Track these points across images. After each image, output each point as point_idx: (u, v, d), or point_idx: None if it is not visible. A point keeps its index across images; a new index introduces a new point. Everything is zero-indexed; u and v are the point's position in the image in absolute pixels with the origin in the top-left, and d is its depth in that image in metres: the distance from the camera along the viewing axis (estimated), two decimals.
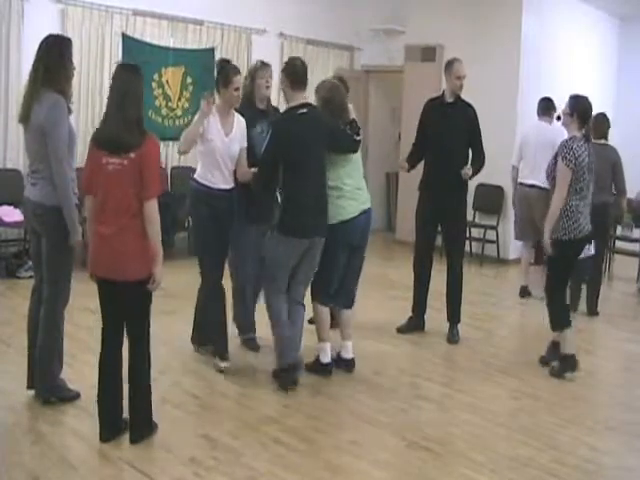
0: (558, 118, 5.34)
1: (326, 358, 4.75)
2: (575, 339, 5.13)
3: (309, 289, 4.73)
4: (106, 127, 3.55)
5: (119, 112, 3.50)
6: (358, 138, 4.64)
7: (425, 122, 5.74)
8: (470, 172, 5.52)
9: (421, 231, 5.79)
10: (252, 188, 4.56)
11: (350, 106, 4.79)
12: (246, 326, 5.18)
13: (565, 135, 7.23)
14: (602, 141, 6.73)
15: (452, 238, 5.78)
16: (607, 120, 6.83)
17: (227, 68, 4.58)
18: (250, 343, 5.20)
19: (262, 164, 4.45)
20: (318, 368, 4.75)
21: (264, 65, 4.98)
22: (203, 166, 4.60)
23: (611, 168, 6.62)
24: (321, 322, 4.75)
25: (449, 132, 5.55)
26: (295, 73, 4.42)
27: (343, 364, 4.87)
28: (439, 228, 5.79)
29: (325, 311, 4.77)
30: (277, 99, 6.91)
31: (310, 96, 4.62)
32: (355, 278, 4.92)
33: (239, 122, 4.67)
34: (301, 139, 4.35)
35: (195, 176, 4.64)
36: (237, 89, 4.56)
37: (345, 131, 4.60)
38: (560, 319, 5.02)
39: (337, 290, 4.79)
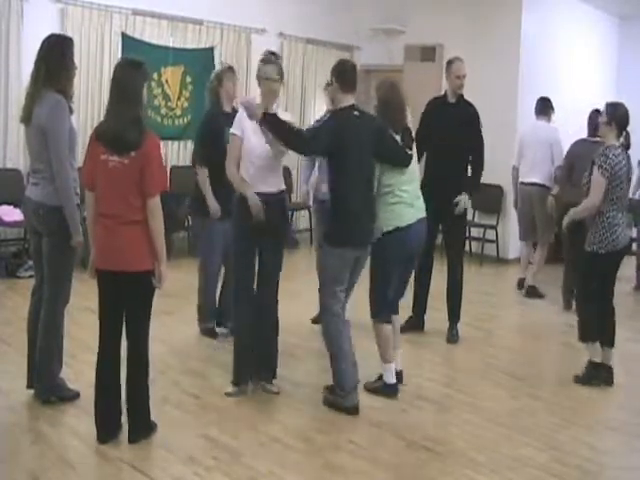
0: (595, 129, 5.15)
1: (392, 379, 4.48)
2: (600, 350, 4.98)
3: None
4: (107, 125, 3.54)
5: (119, 110, 3.49)
6: (410, 152, 4.41)
7: (426, 121, 5.73)
8: (465, 203, 5.58)
9: None
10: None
11: (408, 111, 4.53)
12: (209, 315, 5.43)
13: (558, 134, 7.28)
14: (597, 138, 6.73)
15: (452, 238, 5.77)
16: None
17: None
18: (210, 332, 5.40)
19: (311, 135, 4.21)
20: (385, 390, 4.48)
21: (231, 69, 5.23)
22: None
23: (590, 167, 6.62)
24: (386, 340, 4.44)
25: (450, 132, 5.54)
26: (346, 75, 4.27)
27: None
28: (439, 227, 5.78)
29: (388, 329, 4.45)
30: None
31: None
32: (404, 287, 4.67)
33: None
34: (354, 140, 4.15)
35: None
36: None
37: (397, 143, 4.35)
38: (590, 331, 4.89)
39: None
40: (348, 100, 4.27)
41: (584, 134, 6.88)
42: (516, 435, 4.07)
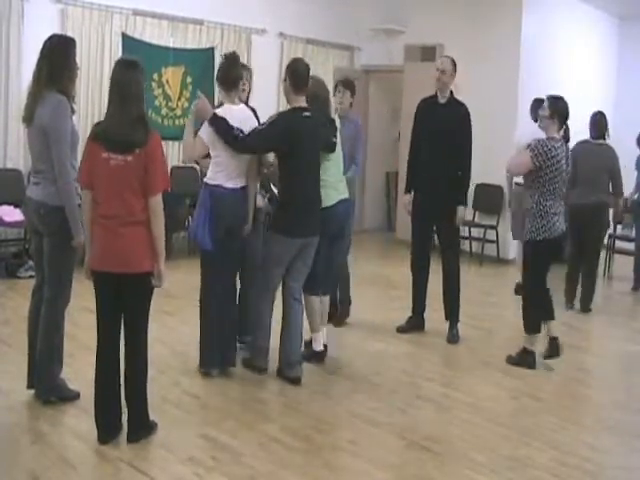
0: (535, 120, 5.36)
1: (320, 347, 4.96)
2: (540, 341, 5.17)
3: None
4: (110, 126, 3.53)
5: (123, 111, 3.49)
6: (334, 140, 4.81)
7: (418, 121, 5.73)
8: (463, 213, 5.63)
9: (417, 231, 5.80)
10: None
11: (332, 103, 5.05)
12: None
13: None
14: (600, 141, 6.73)
15: (446, 238, 5.76)
16: (605, 119, 6.82)
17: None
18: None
19: (253, 137, 4.36)
20: (311, 356, 4.94)
21: (244, 66, 5.13)
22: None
23: (608, 168, 6.63)
24: (312, 312, 4.88)
25: (441, 132, 5.52)
26: (298, 75, 4.45)
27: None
28: (434, 228, 5.78)
29: (316, 301, 4.90)
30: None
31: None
32: (328, 268, 5.02)
33: None
34: (304, 140, 4.42)
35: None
36: None
37: (332, 134, 4.78)
38: (533, 323, 5.11)
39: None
40: (300, 100, 4.48)
41: (583, 134, 6.88)
42: (516, 435, 4.07)
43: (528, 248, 5.09)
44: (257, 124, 4.56)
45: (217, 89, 5.15)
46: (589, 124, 6.84)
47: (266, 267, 4.58)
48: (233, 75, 4.48)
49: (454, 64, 5.61)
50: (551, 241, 4.93)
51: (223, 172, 4.44)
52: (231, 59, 4.54)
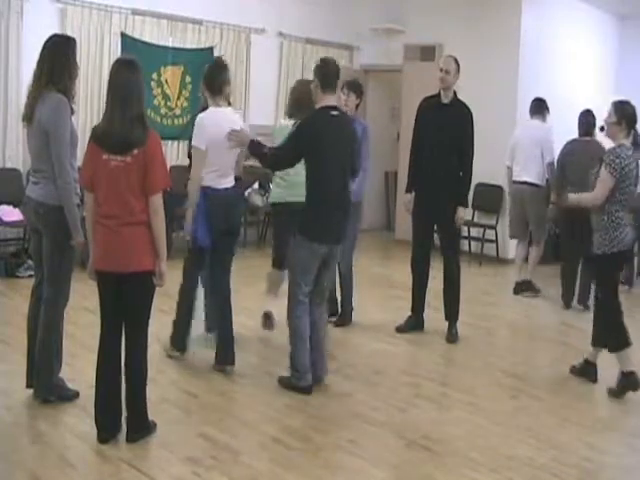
0: (602, 129, 5.02)
1: (269, 308, 5.37)
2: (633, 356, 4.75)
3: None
4: (110, 128, 3.51)
5: (121, 112, 3.48)
6: None
7: (420, 121, 5.73)
8: (464, 213, 5.61)
9: (417, 231, 5.80)
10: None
11: None
12: None
13: (550, 132, 7.28)
14: (587, 137, 6.74)
15: (447, 237, 5.76)
16: (593, 116, 6.81)
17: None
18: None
19: (282, 150, 4.37)
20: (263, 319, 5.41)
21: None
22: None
23: (596, 163, 6.62)
24: (276, 281, 5.34)
25: (444, 132, 5.52)
26: (325, 75, 4.36)
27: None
28: (434, 227, 5.78)
29: (277, 273, 5.32)
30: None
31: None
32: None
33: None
34: (330, 141, 4.30)
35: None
36: None
37: None
38: (617, 338, 4.70)
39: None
40: (328, 100, 4.37)
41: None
42: (516, 435, 4.06)
43: (602, 262, 4.70)
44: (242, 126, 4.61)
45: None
46: (577, 122, 6.84)
47: (294, 277, 4.44)
48: (219, 81, 4.55)
49: (457, 63, 5.59)
50: (623, 253, 4.68)
51: (213, 173, 4.47)
52: (219, 65, 4.63)
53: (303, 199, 4.42)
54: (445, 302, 5.79)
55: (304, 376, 4.41)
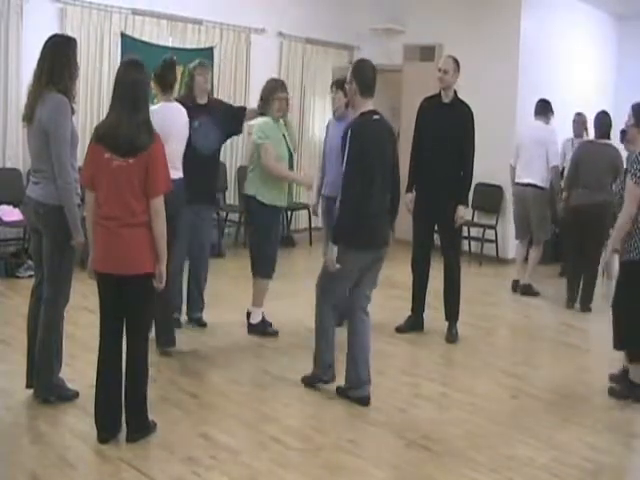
0: (623, 132, 4.85)
1: (258, 319, 5.47)
2: None
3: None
4: (117, 130, 3.50)
5: (131, 116, 3.48)
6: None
7: (421, 120, 5.72)
8: (464, 213, 5.61)
9: (418, 231, 5.80)
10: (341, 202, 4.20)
11: (276, 106, 5.40)
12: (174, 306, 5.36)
13: (553, 134, 7.27)
14: (603, 140, 6.72)
15: (448, 237, 5.76)
16: (609, 118, 6.79)
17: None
18: (176, 323, 5.29)
19: (351, 175, 4.13)
20: (250, 328, 5.48)
21: (201, 64, 5.50)
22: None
23: (612, 167, 6.61)
24: (263, 291, 5.43)
25: (445, 131, 5.52)
26: (364, 78, 4.27)
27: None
28: (435, 227, 5.78)
29: (265, 283, 5.42)
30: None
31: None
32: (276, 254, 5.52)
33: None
34: (376, 145, 4.25)
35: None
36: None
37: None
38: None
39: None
40: (367, 105, 4.30)
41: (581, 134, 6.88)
42: (516, 434, 4.07)
43: (628, 269, 4.58)
44: (188, 121, 4.93)
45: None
46: (593, 124, 6.82)
47: (331, 282, 4.32)
48: (170, 79, 4.87)
49: (457, 63, 5.59)
50: None
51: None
52: (169, 64, 4.92)
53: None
54: (445, 302, 5.79)
55: (327, 371, 4.49)
